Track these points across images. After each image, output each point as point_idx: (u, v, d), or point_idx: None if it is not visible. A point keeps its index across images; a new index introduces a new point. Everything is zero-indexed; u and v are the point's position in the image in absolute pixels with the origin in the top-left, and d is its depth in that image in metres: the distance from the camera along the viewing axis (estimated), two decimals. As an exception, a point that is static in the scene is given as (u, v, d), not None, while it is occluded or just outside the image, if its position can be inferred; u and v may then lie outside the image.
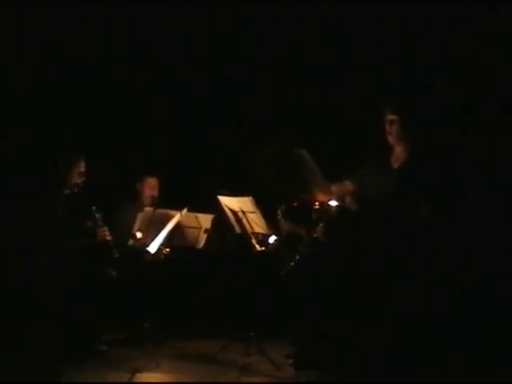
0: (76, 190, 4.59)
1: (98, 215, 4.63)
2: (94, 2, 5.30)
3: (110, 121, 5.81)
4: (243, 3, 5.35)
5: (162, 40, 5.66)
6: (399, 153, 3.98)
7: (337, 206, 4.09)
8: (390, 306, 3.74)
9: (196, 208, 4.96)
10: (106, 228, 4.67)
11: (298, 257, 4.38)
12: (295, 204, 4.48)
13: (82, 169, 4.62)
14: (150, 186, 5.46)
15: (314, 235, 4.41)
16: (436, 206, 3.81)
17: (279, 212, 4.79)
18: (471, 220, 4.41)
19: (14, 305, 4.33)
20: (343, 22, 5.26)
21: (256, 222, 4.65)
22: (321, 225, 4.37)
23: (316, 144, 4.97)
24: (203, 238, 5.03)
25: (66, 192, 4.58)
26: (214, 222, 4.99)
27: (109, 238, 4.67)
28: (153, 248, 4.80)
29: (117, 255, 4.69)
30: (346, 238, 4.25)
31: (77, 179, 4.59)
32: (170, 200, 5.11)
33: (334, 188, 4.13)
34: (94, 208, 4.62)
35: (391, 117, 3.93)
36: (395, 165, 3.98)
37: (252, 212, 4.62)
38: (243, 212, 4.62)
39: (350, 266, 4.02)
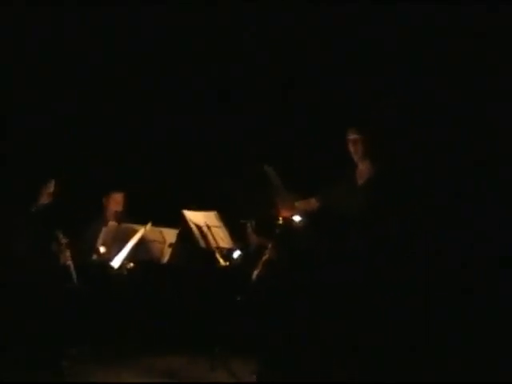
0: (42, 209, 4.62)
1: (63, 239, 4.68)
2: (94, 2, 5.30)
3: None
4: (243, 3, 5.35)
5: (161, 40, 5.66)
6: (363, 169, 4.11)
7: (300, 221, 4.14)
8: (389, 305, 3.74)
9: (161, 222, 4.95)
10: (68, 253, 4.70)
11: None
12: (264, 218, 4.52)
13: (51, 190, 4.64)
14: (116, 201, 5.46)
15: (264, 258, 4.44)
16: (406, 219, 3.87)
17: (249, 226, 4.89)
18: (471, 220, 4.41)
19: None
20: (343, 22, 5.25)
21: (221, 237, 4.66)
22: (269, 246, 4.44)
23: (316, 144, 4.98)
24: (168, 252, 5.02)
25: (33, 210, 4.61)
26: (178, 237, 4.97)
27: (69, 262, 4.70)
28: (116, 263, 4.79)
29: (75, 281, 4.70)
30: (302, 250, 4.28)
31: (44, 200, 4.62)
32: (135, 214, 5.12)
33: (298, 204, 4.22)
34: (59, 232, 4.68)
35: (354, 136, 4.07)
36: (360, 181, 4.11)
37: (217, 226, 4.63)
38: (208, 226, 4.63)
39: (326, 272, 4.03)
